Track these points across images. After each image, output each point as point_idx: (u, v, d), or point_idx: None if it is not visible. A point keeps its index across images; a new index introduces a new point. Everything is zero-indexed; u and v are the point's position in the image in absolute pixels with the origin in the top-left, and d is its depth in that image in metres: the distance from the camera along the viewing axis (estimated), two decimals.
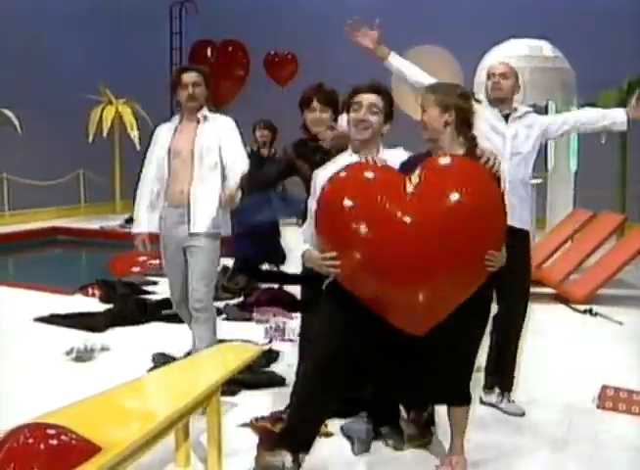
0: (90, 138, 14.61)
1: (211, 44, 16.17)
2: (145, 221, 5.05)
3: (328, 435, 4.26)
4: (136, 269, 9.41)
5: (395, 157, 3.86)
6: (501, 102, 4.81)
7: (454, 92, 3.82)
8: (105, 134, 14.87)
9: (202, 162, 4.85)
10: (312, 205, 3.87)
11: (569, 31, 11.99)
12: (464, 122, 3.77)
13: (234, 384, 4.76)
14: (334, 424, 4.32)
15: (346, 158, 3.95)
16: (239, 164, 4.80)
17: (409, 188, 3.47)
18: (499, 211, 3.53)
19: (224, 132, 4.92)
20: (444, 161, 3.58)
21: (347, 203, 3.46)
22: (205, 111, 4.97)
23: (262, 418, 4.46)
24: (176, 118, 5.05)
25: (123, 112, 15.07)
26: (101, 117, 14.84)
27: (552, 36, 10.21)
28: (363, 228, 3.40)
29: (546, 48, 9.98)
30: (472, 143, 3.78)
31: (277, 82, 15.75)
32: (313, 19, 15.63)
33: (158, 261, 9.18)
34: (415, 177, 3.50)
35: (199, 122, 4.93)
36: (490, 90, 4.82)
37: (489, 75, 4.82)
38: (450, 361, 3.75)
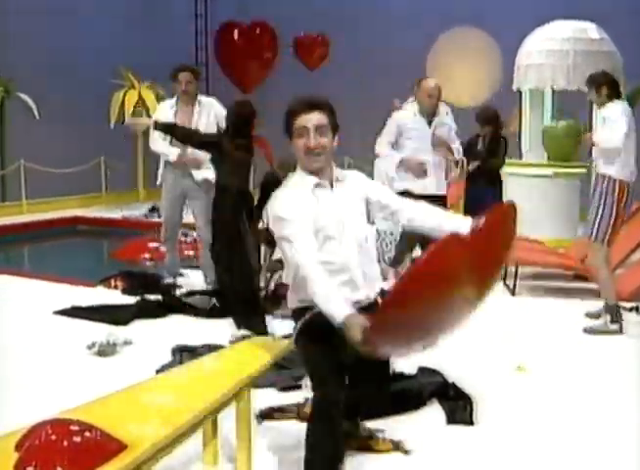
0: (111, 124, 14.46)
1: (238, 26, 16.00)
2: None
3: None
4: (146, 256, 9.57)
5: (354, 178, 3.61)
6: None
7: None
8: (127, 120, 14.70)
9: None
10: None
11: (616, 14, 11.68)
12: None
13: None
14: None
15: (305, 180, 3.49)
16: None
17: None
18: None
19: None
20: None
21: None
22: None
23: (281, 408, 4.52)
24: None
25: (146, 96, 14.80)
26: (123, 101, 14.62)
27: (598, 18, 9.97)
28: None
29: (591, 30, 9.76)
30: None
31: (307, 65, 15.58)
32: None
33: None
34: None
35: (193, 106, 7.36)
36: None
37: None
38: None
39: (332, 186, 3.49)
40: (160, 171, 7.59)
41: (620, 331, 6.35)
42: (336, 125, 3.50)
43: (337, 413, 3.37)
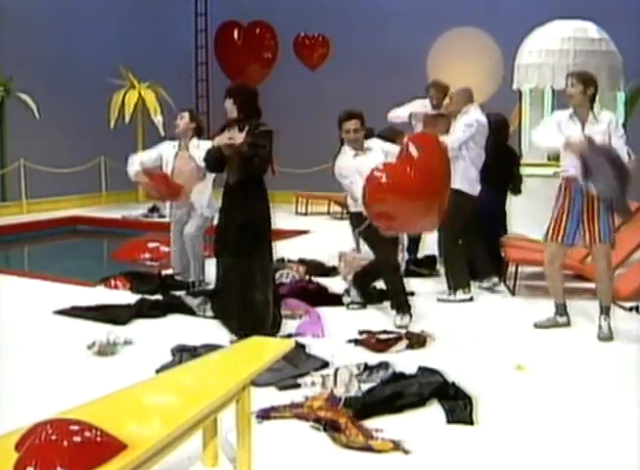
0: (112, 124, 14.42)
1: (238, 26, 15.99)
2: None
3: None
4: (146, 256, 9.61)
5: (376, 146, 6.65)
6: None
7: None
8: (127, 120, 14.66)
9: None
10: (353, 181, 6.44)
11: (616, 13, 11.62)
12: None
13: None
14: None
15: (350, 152, 6.63)
16: None
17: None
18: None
19: None
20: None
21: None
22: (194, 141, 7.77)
23: (285, 407, 4.51)
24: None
25: (146, 96, 14.77)
26: (123, 101, 14.59)
27: (598, 18, 9.94)
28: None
29: (591, 29, 9.74)
30: None
31: (307, 65, 15.56)
32: None
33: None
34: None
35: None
36: None
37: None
38: None
39: (364, 153, 6.52)
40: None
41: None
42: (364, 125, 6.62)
43: None
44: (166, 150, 7.89)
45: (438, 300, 7.39)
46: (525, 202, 9.59)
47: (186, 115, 7.85)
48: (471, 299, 7.40)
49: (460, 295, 7.41)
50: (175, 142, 7.91)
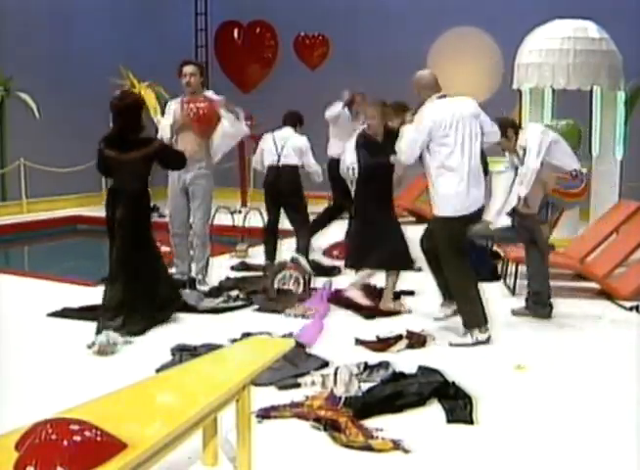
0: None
1: (238, 25, 16.00)
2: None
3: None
4: None
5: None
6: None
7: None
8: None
9: None
10: None
11: (616, 13, 11.62)
12: None
13: None
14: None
15: None
16: None
17: None
18: None
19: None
20: None
21: None
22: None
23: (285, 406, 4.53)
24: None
25: (146, 96, 14.73)
26: None
27: (598, 18, 9.95)
28: None
29: (591, 29, 9.74)
30: None
31: (307, 65, 15.56)
32: None
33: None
34: None
35: None
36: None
37: None
38: None
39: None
40: None
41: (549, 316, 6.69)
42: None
43: None
44: (171, 107, 7.75)
45: (451, 344, 5.94)
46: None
47: (194, 69, 7.56)
48: (488, 340, 6.00)
49: (476, 335, 5.97)
50: (180, 98, 7.65)
